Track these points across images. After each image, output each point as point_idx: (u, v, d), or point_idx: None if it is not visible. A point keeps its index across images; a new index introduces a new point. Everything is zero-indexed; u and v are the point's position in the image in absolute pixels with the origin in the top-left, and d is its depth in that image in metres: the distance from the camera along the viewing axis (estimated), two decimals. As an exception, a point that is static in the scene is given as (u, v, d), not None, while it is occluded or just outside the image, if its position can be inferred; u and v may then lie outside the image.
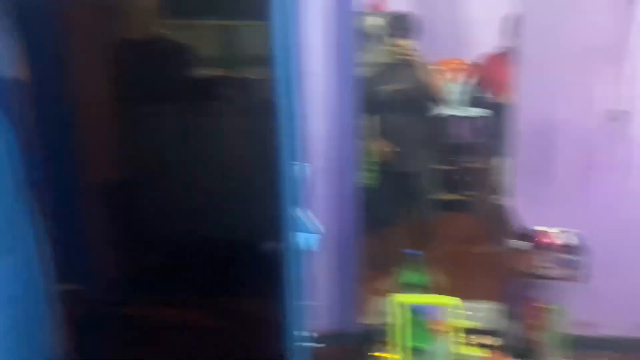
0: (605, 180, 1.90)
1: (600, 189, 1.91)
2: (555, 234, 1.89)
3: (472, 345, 1.89)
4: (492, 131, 2.47)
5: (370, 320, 2.00)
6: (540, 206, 1.95)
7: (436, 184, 2.38)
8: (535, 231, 1.92)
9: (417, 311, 1.82)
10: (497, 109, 2.34)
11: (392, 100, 2.17)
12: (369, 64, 2.22)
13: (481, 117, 2.72)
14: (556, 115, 1.89)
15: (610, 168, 1.89)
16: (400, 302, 1.79)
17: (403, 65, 2.14)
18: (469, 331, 1.91)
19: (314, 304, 2.05)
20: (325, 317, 2.14)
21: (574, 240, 1.86)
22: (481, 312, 2.03)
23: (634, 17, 1.75)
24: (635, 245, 1.96)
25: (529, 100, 1.89)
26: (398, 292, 1.90)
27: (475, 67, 2.68)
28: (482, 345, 1.90)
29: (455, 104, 2.87)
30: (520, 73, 1.87)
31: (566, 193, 1.93)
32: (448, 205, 2.59)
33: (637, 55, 1.78)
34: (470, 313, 2.02)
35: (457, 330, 1.79)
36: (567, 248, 1.85)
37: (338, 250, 2.06)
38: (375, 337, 1.90)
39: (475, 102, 2.78)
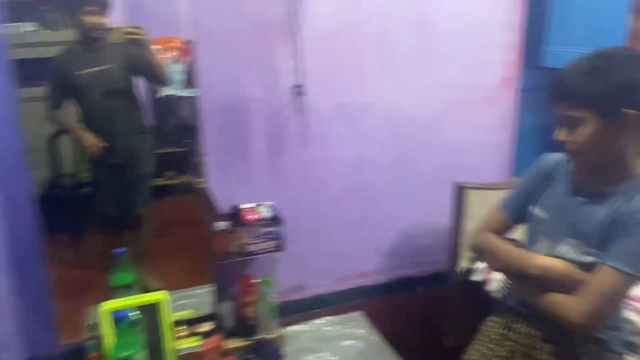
0: (293, 152, 2.02)
1: (289, 160, 2.02)
2: (255, 209, 1.93)
3: (186, 336, 1.82)
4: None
5: (82, 336, 1.75)
6: (240, 183, 1.97)
7: (153, 171, 2.19)
8: (238, 209, 1.94)
9: (122, 317, 1.65)
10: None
11: (95, 84, 1.90)
12: (60, 42, 1.89)
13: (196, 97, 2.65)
14: (245, 92, 1.91)
15: (295, 139, 2.01)
16: (104, 310, 1.60)
17: (117, 44, 1.87)
18: (183, 322, 1.84)
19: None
20: (19, 345, 1.81)
21: (271, 212, 1.93)
22: (196, 298, 1.97)
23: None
24: (324, 207, 2.14)
25: (220, 78, 1.86)
26: (111, 297, 1.71)
27: (188, 46, 2.57)
28: (198, 334, 1.84)
29: (174, 84, 2.72)
30: (205, 51, 1.82)
31: (261, 168, 1.98)
32: (165, 191, 2.43)
33: (305, 31, 1.90)
34: (185, 302, 1.96)
35: (169, 325, 1.69)
36: (266, 221, 1.91)
37: (20, 267, 1.74)
38: (85, 354, 1.67)
39: (191, 82, 2.69)
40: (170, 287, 1.94)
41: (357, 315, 2.15)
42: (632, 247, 1.18)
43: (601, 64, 1.17)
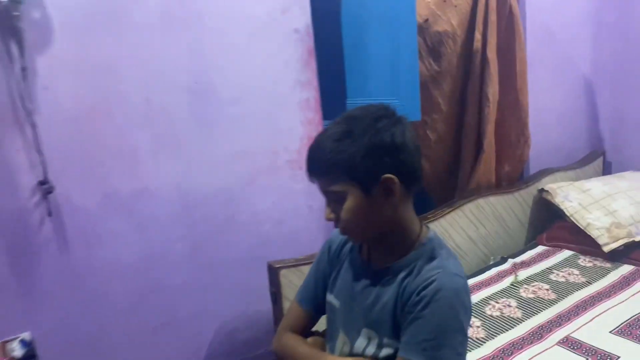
0: (51, 262, 1.60)
1: (47, 273, 1.59)
2: (3, 347, 1.47)
3: None
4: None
5: None
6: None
7: None
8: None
9: None
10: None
11: None
12: None
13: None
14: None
15: (52, 247, 1.59)
16: None
17: None
18: None
19: None
20: None
21: (25, 348, 1.49)
22: None
23: (26, 73, 1.49)
24: (108, 322, 1.72)
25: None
26: None
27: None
28: None
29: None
30: None
31: (7, 291, 1.53)
32: None
33: (43, 115, 1.53)
34: None
35: None
36: (15, 363, 1.46)
37: None
38: None
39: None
40: None
41: None
42: (423, 332, 0.98)
43: (349, 129, 1.01)
